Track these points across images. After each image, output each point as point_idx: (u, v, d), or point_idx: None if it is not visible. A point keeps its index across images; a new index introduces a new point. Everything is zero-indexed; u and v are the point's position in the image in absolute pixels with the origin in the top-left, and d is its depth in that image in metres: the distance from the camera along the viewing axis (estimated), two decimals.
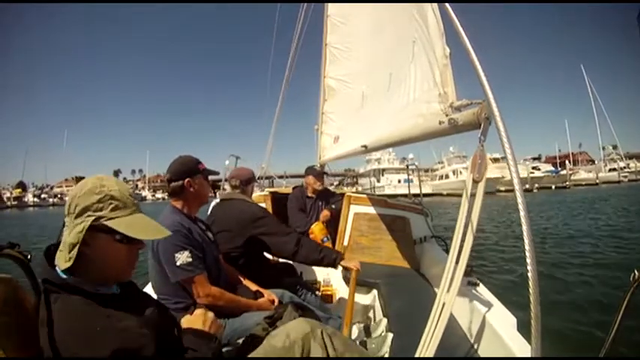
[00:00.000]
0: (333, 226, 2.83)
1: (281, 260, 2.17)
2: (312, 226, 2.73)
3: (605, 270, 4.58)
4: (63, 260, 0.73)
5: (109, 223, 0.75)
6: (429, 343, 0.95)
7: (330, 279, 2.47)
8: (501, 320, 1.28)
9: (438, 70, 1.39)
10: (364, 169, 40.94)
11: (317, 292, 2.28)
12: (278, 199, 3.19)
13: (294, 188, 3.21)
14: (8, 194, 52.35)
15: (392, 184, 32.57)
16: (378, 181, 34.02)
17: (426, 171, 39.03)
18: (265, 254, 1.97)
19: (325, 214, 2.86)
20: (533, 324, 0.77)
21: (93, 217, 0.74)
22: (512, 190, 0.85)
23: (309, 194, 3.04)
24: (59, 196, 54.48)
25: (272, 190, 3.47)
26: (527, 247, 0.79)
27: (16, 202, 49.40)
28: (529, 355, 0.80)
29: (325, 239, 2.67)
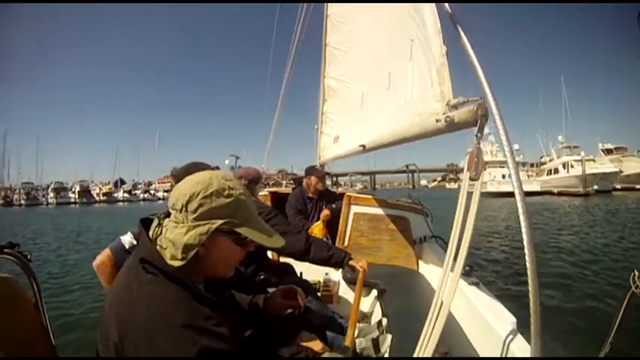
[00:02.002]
0: (333, 226, 2.83)
1: (281, 260, 2.16)
2: (313, 227, 2.72)
3: None
4: (169, 258, 0.68)
5: (238, 230, 0.71)
6: (427, 342, 0.95)
7: (331, 279, 2.47)
8: (501, 320, 1.28)
9: (435, 68, 1.39)
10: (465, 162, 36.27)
11: (317, 292, 2.28)
12: (278, 199, 3.19)
13: (293, 188, 3.21)
14: (98, 190, 52.87)
15: (495, 180, 27.27)
16: None
17: (532, 165, 33.76)
18: (266, 253, 1.97)
19: (326, 213, 2.85)
20: (532, 324, 0.77)
21: (222, 222, 0.69)
22: (629, 189, 0.82)
23: (310, 194, 3.04)
24: (152, 192, 56.11)
25: (272, 190, 3.47)
26: (526, 247, 0.79)
27: (105, 198, 50.12)
28: (529, 355, 0.80)
29: (325, 239, 2.66)
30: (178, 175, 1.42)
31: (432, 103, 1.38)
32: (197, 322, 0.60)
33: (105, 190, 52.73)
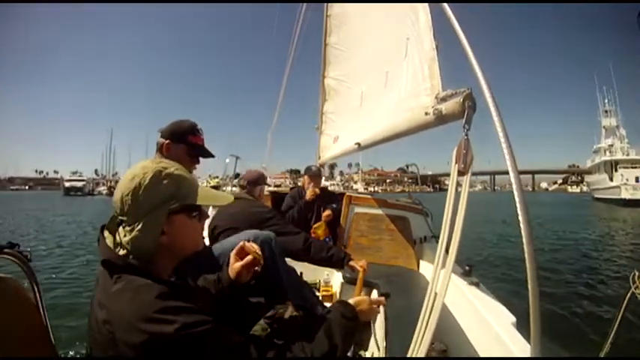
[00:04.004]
0: (333, 226, 2.83)
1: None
2: (315, 227, 2.72)
3: None
4: (134, 258, 0.68)
5: (188, 203, 0.72)
6: (421, 337, 0.93)
7: (330, 279, 2.47)
8: (501, 320, 1.28)
9: (427, 63, 1.40)
10: (592, 161, 28.17)
11: (317, 292, 2.28)
12: (278, 199, 3.19)
13: (291, 188, 3.21)
14: (205, 183, 55.50)
15: (629, 184, 22.10)
16: (611, 179, 24.09)
17: None
18: None
19: (327, 213, 2.85)
20: (532, 324, 0.77)
21: (169, 204, 0.70)
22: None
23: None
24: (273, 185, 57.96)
25: (272, 189, 3.47)
26: (526, 247, 0.79)
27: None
28: (529, 355, 0.80)
29: (328, 239, 2.66)
30: (164, 133, 1.40)
31: (423, 97, 1.39)
32: (168, 304, 0.60)
33: (213, 183, 54.38)
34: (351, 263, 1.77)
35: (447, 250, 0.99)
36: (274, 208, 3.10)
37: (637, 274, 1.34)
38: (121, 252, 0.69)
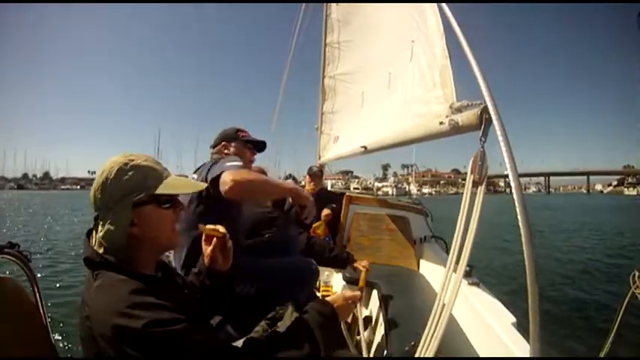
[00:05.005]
0: (332, 226, 2.83)
1: None
2: (314, 226, 2.72)
3: None
4: (110, 253, 0.69)
5: (157, 192, 0.72)
6: (427, 345, 0.95)
7: (330, 279, 2.47)
8: (501, 320, 1.28)
9: (438, 70, 1.39)
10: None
11: (317, 293, 2.28)
12: (277, 199, 3.19)
13: None
14: None
15: None
16: None
17: None
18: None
19: (326, 212, 2.85)
20: (532, 324, 0.77)
21: (135, 194, 0.70)
22: None
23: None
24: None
25: None
26: (525, 247, 0.79)
27: None
28: (529, 355, 0.80)
29: (327, 238, 2.66)
30: (216, 141, 1.56)
31: (434, 105, 1.38)
32: (140, 299, 0.61)
33: None
34: (355, 265, 1.78)
35: (457, 261, 1.00)
36: (277, 207, 3.10)
37: (637, 274, 1.34)
38: (100, 249, 0.70)
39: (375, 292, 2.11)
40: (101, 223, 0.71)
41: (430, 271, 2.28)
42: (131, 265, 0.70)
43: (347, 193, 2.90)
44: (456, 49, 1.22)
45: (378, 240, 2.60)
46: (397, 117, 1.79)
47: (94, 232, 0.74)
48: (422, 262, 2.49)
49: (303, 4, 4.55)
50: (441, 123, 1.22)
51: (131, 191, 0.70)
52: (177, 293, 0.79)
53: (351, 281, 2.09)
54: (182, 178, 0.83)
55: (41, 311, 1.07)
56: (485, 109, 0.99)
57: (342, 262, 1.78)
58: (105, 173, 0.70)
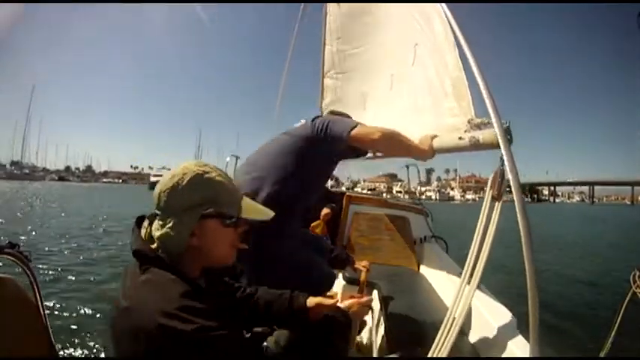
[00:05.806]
0: (332, 226, 2.83)
1: None
2: (313, 226, 2.72)
3: None
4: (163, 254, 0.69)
5: (223, 211, 0.72)
6: (437, 355, 0.96)
7: None
8: (501, 320, 1.28)
9: (449, 80, 1.36)
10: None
11: None
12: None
13: None
14: None
15: None
16: None
17: None
18: None
19: (325, 212, 2.85)
20: (532, 324, 0.77)
21: (204, 208, 0.70)
22: None
23: None
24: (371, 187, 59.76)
25: None
26: (525, 247, 0.80)
27: None
28: (529, 355, 0.80)
29: (325, 238, 2.66)
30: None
31: (448, 118, 1.35)
32: (190, 304, 0.60)
33: None
34: (356, 266, 1.78)
35: (471, 274, 1.00)
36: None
37: (637, 273, 1.34)
38: (153, 245, 0.70)
39: (375, 292, 2.11)
40: (160, 222, 0.70)
41: (430, 271, 2.28)
42: (180, 268, 0.69)
43: (347, 193, 2.90)
44: (466, 62, 1.20)
45: (378, 240, 2.60)
46: (407, 124, 1.76)
47: (145, 222, 0.74)
48: (422, 262, 2.49)
49: (303, 4, 4.53)
50: (460, 138, 1.21)
51: (201, 204, 0.70)
52: (219, 302, 0.78)
53: (351, 281, 2.09)
54: (254, 203, 0.82)
55: (41, 311, 1.07)
56: (506, 130, 0.97)
57: (342, 262, 1.78)
58: (176, 178, 0.70)
